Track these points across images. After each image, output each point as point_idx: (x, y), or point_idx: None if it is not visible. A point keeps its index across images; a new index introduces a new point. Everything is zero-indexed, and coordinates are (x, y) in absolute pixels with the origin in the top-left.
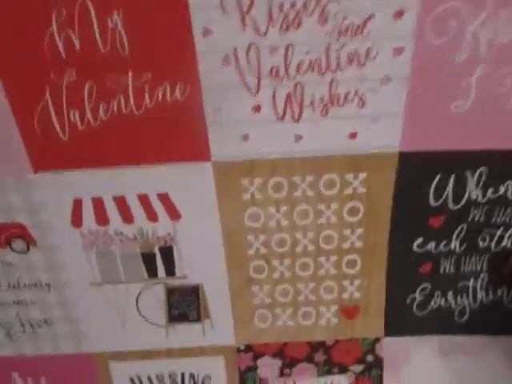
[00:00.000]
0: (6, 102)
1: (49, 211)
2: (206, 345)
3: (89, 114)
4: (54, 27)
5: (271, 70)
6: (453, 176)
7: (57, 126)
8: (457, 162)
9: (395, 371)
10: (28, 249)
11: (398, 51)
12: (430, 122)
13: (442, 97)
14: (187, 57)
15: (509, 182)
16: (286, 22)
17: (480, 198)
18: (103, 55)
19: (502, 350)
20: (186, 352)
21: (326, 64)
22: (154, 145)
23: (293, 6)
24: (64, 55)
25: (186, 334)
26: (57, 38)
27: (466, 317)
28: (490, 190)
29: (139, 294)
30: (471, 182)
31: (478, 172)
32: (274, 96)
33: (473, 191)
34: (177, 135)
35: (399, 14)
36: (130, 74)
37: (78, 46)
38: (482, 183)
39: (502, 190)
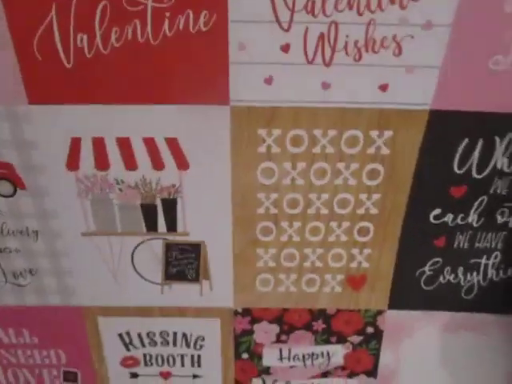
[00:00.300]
0: (3, 16)
1: (42, 150)
2: (202, 306)
3: (99, 40)
4: None
5: (307, 3)
6: (481, 140)
7: (60, 50)
8: (487, 126)
9: (394, 344)
10: (15, 192)
11: None
12: (466, 79)
13: (482, 50)
14: None
15: None
16: None
17: (505, 168)
18: None
19: (506, 329)
20: (180, 311)
21: (366, 2)
22: (167, 82)
23: None
24: None
25: (182, 293)
26: None
27: (473, 294)
28: None
29: (135, 248)
30: (499, 148)
31: (507, 138)
32: (305, 34)
33: (499, 159)
34: (194, 73)
35: None
36: None
37: None
38: (510, 151)
39: None
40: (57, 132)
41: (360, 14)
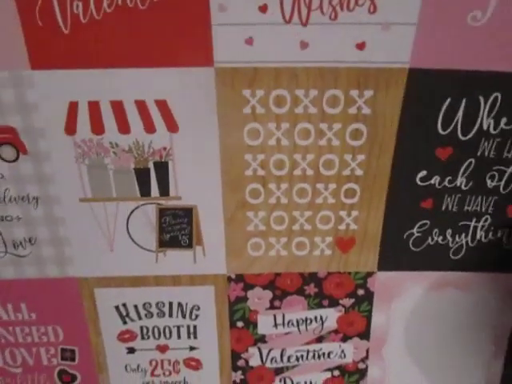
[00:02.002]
0: None
1: (42, 114)
2: (196, 273)
3: (92, 6)
4: None
5: None
6: (464, 100)
7: (59, 17)
8: (470, 84)
9: (385, 305)
10: (17, 157)
11: None
12: (444, 35)
13: (459, 5)
14: None
15: None
16: None
17: (492, 129)
18: None
19: (495, 286)
20: (175, 280)
21: None
22: (155, 45)
23: None
24: None
25: (177, 260)
26: None
27: (461, 254)
28: (504, 120)
29: (130, 213)
30: (484, 108)
31: (492, 97)
32: None
33: (484, 120)
34: (180, 35)
35: None
36: None
37: None
38: (495, 111)
39: None
40: (56, 96)
41: None
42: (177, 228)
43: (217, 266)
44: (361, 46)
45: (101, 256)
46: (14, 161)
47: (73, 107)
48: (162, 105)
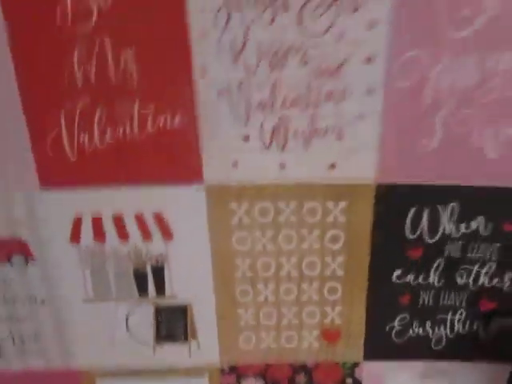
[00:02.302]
0: (25, 127)
1: (50, 227)
2: (191, 365)
3: (97, 138)
4: (75, 60)
5: (259, 103)
6: (427, 210)
7: (67, 147)
8: (430, 196)
9: None
10: (26, 264)
11: (370, 92)
12: (402, 156)
13: (412, 134)
14: (187, 90)
15: (480, 219)
16: (271, 63)
17: (454, 233)
18: (114, 86)
19: (476, 374)
20: (171, 372)
21: (307, 100)
22: (152, 167)
23: (277, 50)
24: (80, 85)
25: (173, 354)
26: (76, 70)
27: (442, 345)
28: (463, 225)
29: (129, 312)
30: (444, 216)
31: (449, 207)
32: (261, 127)
33: (446, 225)
34: (174, 159)
35: (369, 60)
36: (137, 104)
37: (93, 77)
38: (454, 218)
39: (473, 225)
40: (63, 211)
41: (303, 110)
42: (173, 324)
43: (211, 357)
44: (332, 167)
45: (102, 349)
46: (23, 267)
47: (78, 220)
48: (158, 216)
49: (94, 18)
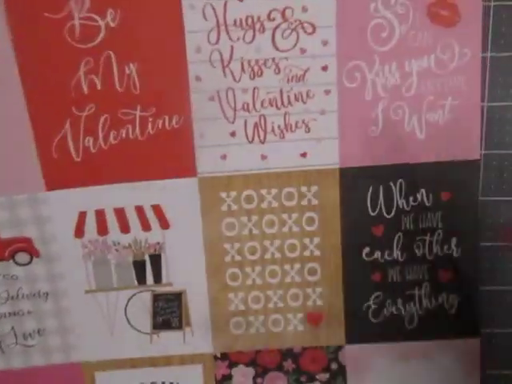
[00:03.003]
0: (31, 131)
1: (55, 224)
2: (186, 353)
3: (101, 140)
4: (82, 72)
5: (243, 105)
6: (381, 187)
7: (72, 150)
8: (381, 176)
9: (358, 379)
10: (31, 260)
11: (327, 92)
12: (357, 143)
13: (362, 124)
14: (183, 96)
15: (422, 191)
16: (252, 72)
17: (405, 207)
18: (119, 94)
19: (451, 352)
20: (167, 360)
21: (281, 101)
22: (152, 164)
23: (257, 62)
24: (86, 93)
25: (169, 341)
26: (82, 80)
27: (415, 323)
28: (411, 198)
29: (128, 300)
30: (396, 192)
31: (398, 183)
32: (245, 124)
33: (399, 200)
34: (171, 156)
35: (325, 68)
36: (139, 109)
37: (99, 86)
38: (403, 193)
39: (419, 197)
40: (67, 208)
41: (278, 109)
42: (168, 311)
43: (204, 345)
44: (304, 155)
45: (102, 341)
46: (28, 264)
47: (82, 216)
48: (157, 208)
49: (102, 35)
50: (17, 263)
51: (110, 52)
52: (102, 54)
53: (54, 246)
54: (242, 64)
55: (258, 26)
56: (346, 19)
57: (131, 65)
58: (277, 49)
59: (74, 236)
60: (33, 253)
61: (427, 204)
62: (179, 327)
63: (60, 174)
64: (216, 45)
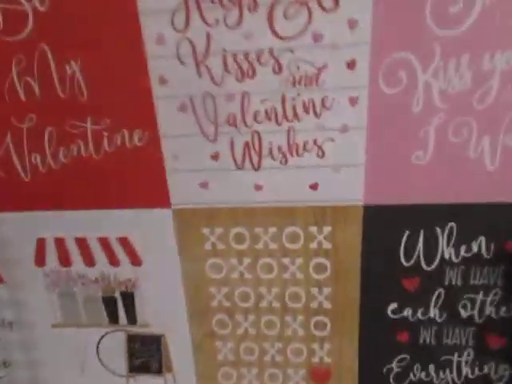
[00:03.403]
0: None
1: (14, 248)
2: None
3: (49, 157)
4: (14, 73)
5: (228, 118)
6: (422, 232)
7: (19, 167)
8: (425, 218)
9: None
10: None
11: (353, 101)
12: (392, 173)
13: (402, 147)
14: (144, 104)
15: (481, 238)
16: (240, 71)
17: (454, 258)
18: (62, 101)
19: None
20: None
21: (283, 113)
22: (114, 189)
23: (246, 56)
24: (24, 100)
25: None
26: (17, 83)
27: None
28: (463, 248)
29: (100, 339)
30: (442, 238)
31: (447, 228)
32: (232, 144)
33: (445, 249)
34: (137, 180)
35: (351, 65)
36: (89, 121)
37: (37, 91)
38: (453, 240)
39: (475, 247)
40: (24, 233)
41: (279, 124)
42: (146, 354)
43: None
44: (314, 187)
45: (73, 379)
46: None
47: (41, 243)
48: (124, 241)
49: (30, 23)
50: None
51: (44, 45)
52: (36, 49)
53: (16, 272)
54: (225, 59)
55: (246, 0)
56: None
57: (73, 63)
58: (276, 35)
59: (35, 264)
60: None
61: (486, 256)
62: (159, 372)
63: (10, 194)
64: (185, 32)
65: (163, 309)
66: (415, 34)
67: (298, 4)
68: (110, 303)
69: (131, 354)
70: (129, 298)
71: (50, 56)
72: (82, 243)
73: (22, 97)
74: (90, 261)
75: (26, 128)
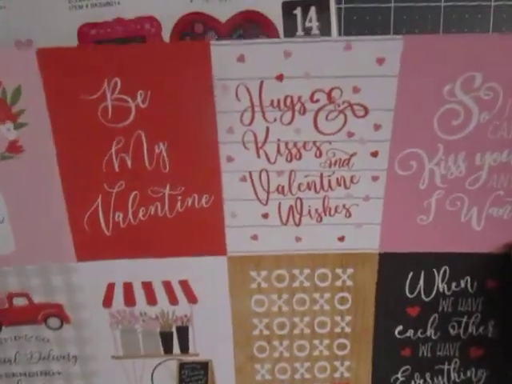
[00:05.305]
0: (65, 205)
1: (85, 293)
2: None
3: (130, 216)
4: (113, 150)
5: (277, 187)
6: (423, 273)
7: (103, 224)
8: (425, 262)
9: None
10: (61, 325)
11: (375, 179)
12: (402, 230)
13: (410, 212)
14: (213, 176)
15: (467, 278)
16: (289, 154)
17: (446, 291)
18: (148, 172)
19: None
20: None
21: (320, 185)
22: (181, 241)
23: (295, 144)
24: (117, 171)
25: None
26: (114, 159)
27: None
28: (454, 284)
29: (155, 368)
30: (438, 277)
31: (442, 269)
32: (279, 207)
33: (440, 285)
34: (200, 234)
35: (375, 154)
36: (168, 187)
37: (129, 164)
38: (446, 279)
39: (462, 284)
40: (97, 279)
41: (317, 193)
42: (195, 379)
43: None
44: (341, 239)
45: None
46: (59, 328)
47: (110, 287)
48: (185, 283)
49: (132, 116)
50: (48, 327)
51: (141, 132)
52: (133, 134)
53: (83, 313)
54: (279, 146)
55: (298, 106)
56: (408, 102)
57: (161, 144)
58: (319, 131)
59: (103, 306)
60: (63, 318)
61: (470, 290)
62: None
63: (91, 246)
64: (249, 126)
65: (212, 339)
66: (424, 136)
67: (337, 112)
68: (166, 337)
69: (181, 380)
70: (184, 331)
71: (143, 139)
72: (147, 286)
73: (116, 168)
74: (152, 301)
75: (115, 192)
